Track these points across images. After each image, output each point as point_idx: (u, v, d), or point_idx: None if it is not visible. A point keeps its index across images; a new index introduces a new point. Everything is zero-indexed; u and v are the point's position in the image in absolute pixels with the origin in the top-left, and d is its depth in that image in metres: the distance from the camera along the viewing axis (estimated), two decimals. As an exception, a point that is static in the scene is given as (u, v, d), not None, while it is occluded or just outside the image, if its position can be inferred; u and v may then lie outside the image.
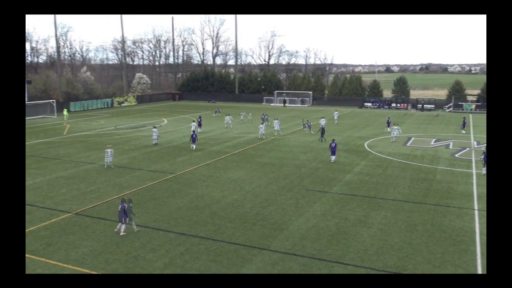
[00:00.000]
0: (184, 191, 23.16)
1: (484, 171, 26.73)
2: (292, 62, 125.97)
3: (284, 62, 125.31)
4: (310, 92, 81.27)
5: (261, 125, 41.80)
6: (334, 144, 30.25)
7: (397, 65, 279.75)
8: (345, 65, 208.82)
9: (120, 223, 17.10)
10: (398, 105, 74.74)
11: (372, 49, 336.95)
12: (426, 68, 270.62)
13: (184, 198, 21.81)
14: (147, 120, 55.38)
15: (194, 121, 43.65)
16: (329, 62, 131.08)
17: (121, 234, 16.93)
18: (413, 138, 40.86)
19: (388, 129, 45.08)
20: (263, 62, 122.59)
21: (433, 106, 72.28)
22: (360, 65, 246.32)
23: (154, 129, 37.99)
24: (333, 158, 30.23)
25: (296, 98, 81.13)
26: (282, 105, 78.80)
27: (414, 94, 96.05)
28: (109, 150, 28.52)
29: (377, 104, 75.99)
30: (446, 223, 18.39)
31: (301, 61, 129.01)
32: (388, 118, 48.59)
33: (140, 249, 15.73)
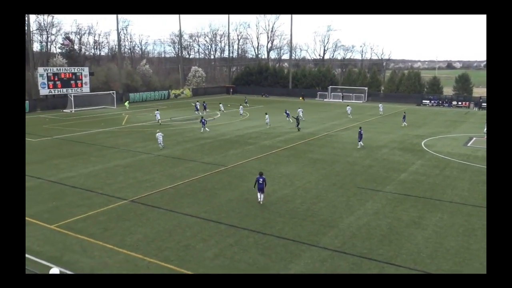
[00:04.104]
0: (235, 183, 23.41)
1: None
2: (347, 57, 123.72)
3: (339, 57, 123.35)
4: (365, 88, 79.40)
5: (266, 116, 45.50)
6: (361, 131, 34.00)
7: (459, 61, 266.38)
8: (403, 61, 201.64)
9: (260, 193, 19.81)
10: (459, 103, 71.29)
11: (432, 44, 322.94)
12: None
13: (235, 191, 22.05)
14: (202, 112, 56.33)
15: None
16: (386, 57, 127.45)
17: (262, 202, 19.81)
18: (474, 138, 38.85)
19: (350, 116, 51.39)
20: (318, 57, 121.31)
21: (497, 105, 68.30)
22: (419, 61, 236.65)
23: (157, 112, 45.82)
24: (360, 143, 33.83)
25: (351, 94, 79.67)
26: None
27: (478, 92, 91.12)
28: (159, 134, 32.69)
29: (436, 101, 72.92)
30: (508, 229, 17.35)
31: (357, 56, 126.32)
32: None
33: (191, 238, 16.10)
